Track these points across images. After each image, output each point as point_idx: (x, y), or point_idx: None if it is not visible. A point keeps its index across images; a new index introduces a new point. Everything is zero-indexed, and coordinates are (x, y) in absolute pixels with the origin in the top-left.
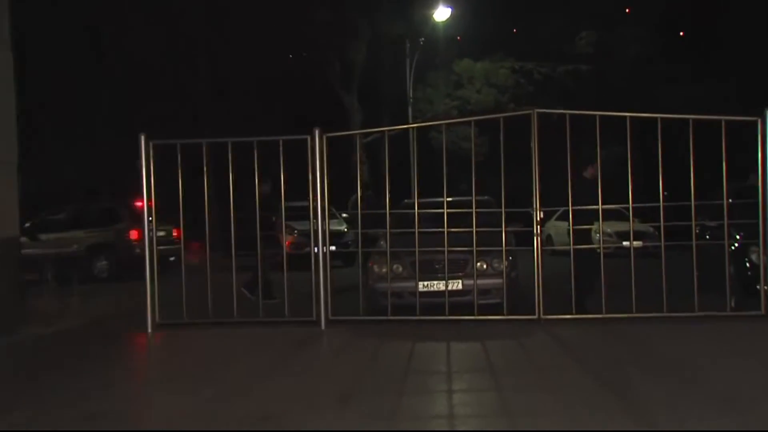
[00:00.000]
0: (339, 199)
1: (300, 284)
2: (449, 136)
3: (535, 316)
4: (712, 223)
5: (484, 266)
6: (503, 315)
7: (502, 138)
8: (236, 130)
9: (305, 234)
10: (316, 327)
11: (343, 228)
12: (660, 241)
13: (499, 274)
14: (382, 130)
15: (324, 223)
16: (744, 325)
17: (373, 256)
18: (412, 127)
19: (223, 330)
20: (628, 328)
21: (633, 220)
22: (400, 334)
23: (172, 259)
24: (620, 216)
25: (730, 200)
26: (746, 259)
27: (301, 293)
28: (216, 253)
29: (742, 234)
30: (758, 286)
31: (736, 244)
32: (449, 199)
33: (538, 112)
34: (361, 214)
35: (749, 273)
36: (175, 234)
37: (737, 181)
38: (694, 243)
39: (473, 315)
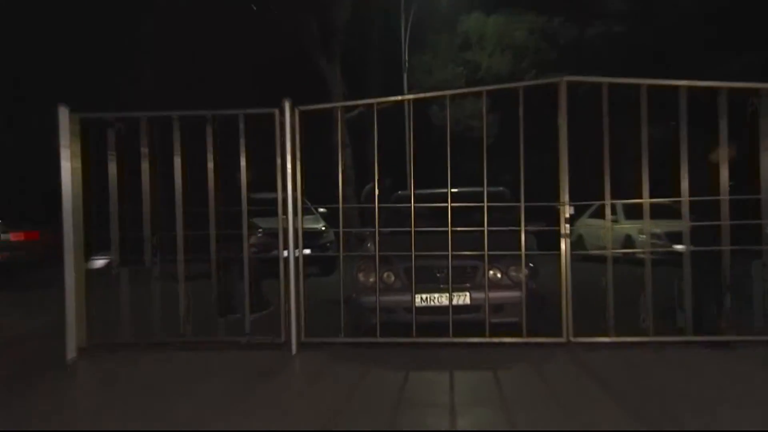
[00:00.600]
0: (315, 189)
1: (266, 297)
2: (454, 112)
3: (563, 339)
4: None
5: (498, 275)
6: (521, 337)
7: (521, 113)
8: (196, 102)
9: (272, 234)
10: (285, 351)
11: (321, 226)
12: (718, 245)
13: (517, 286)
14: (369, 102)
15: (296, 220)
16: None
17: (358, 263)
18: (408, 100)
19: (165, 355)
20: (682, 354)
21: (688, 218)
22: (392, 360)
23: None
24: (672, 212)
25: None
26: None
27: (267, 309)
28: (162, 257)
29: None
30: None
31: None
32: (454, 190)
33: (568, 81)
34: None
35: None
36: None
37: None
38: (764, 248)
39: (484, 337)
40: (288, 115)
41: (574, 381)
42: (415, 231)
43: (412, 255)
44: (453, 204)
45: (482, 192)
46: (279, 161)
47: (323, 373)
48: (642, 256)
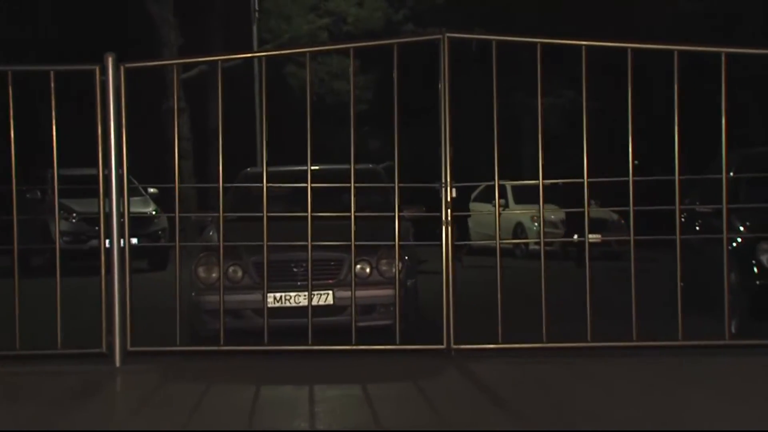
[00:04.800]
0: (145, 165)
1: (82, 298)
2: (316, 72)
3: (443, 346)
4: (705, 209)
5: (367, 270)
6: (395, 344)
7: (395, 75)
8: None
9: (90, 219)
10: (108, 364)
11: (151, 210)
12: (628, 235)
13: (390, 283)
14: (211, 60)
15: (121, 202)
16: (749, 359)
17: (198, 255)
18: (259, 57)
19: None
20: (580, 363)
21: (588, 203)
22: (239, 373)
23: None
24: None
25: (731, 174)
26: (753, 262)
27: (85, 312)
28: None
29: (748, 224)
30: None
31: (739, 240)
32: (315, 168)
33: (450, 37)
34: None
35: (758, 282)
36: None
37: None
38: (678, 237)
39: (350, 344)
40: (111, 73)
41: (457, 397)
42: (267, 217)
43: (264, 246)
44: (314, 185)
45: (349, 170)
46: (99, 129)
47: (153, 392)
48: (536, 247)
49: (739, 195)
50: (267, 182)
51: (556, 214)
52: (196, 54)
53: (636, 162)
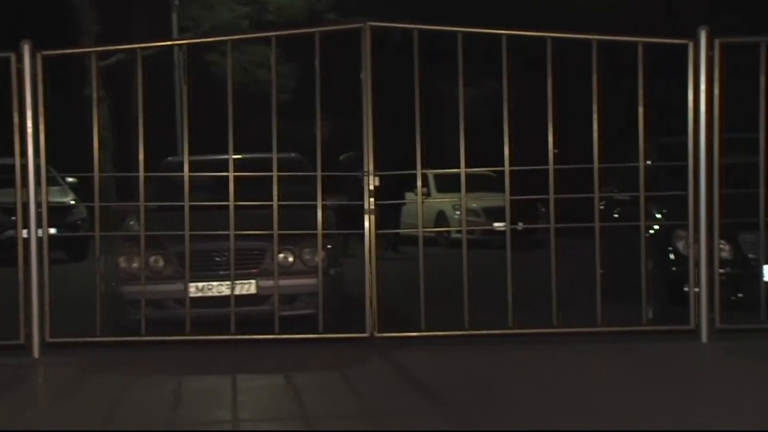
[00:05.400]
0: (64, 155)
1: (1, 289)
2: (238, 61)
3: (366, 334)
4: (624, 196)
5: (290, 259)
6: (319, 333)
7: (318, 64)
8: None
9: (6, 209)
10: (26, 356)
11: (70, 200)
12: (549, 223)
13: (313, 272)
14: (131, 48)
15: (39, 192)
16: (665, 344)
17: (118, 245)
18: (180, 45)
19: None
20: (502, 349)
21: (510, 192)
22: (161, 364)
23: None
24: (490, 185)
25: (648, 162)
26: (670, 249)
27: (2, 303)
28: None
29: (665, 212)
30: (686, 288)
31: (657, 227)
32: (237, 156)
33: (372, 26)
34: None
35: (674, 269)
36: None
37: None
38: (597, 225)
39: (273, 333)
40: (28, 61)
41: (381, 386)
42: (190, 206)
43: (186, 235)
44: (236, 174)
45: (272, 159)
46: (16, 118)
47: (73, 384)
48: (458, 236)
49: (656, 183)
50: (189, 171)
51: (478, 202)
52: (116, 42)
53: (556, 150)
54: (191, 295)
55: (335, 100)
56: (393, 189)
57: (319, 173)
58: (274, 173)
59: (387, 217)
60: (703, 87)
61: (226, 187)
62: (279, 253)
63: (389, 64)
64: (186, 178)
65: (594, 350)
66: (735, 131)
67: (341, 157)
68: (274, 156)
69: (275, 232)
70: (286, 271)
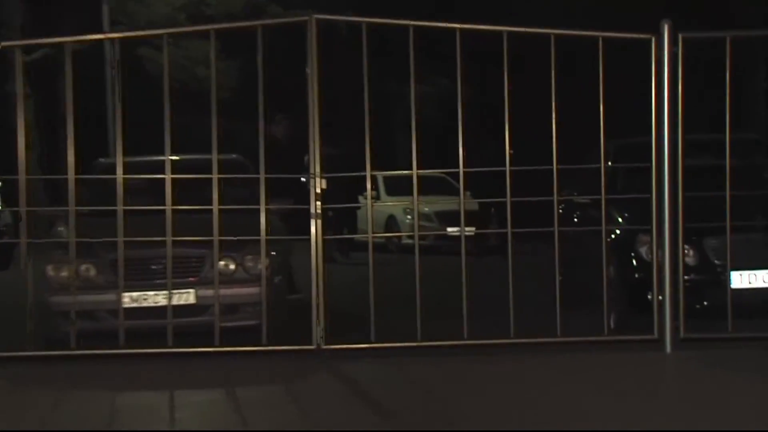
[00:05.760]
0: None
1: None
2: (175, 57)
3: (312, 346)
4: (584, 199)
5: (232, 267)
6: (263, 345)
7: (260, 61)
8: None
9: None
10: None
11: None
12: (506, 228)
13: (256, 280)
14: (59, 42)
15: None
16: (627, 355)
17: (48, 254)
18: (111, 39)
19: None
20: (454, 361)
21: (464, 195)
22: (94, 379)
23: None
24: (443, 188)
25: (609, 163)
26: (633, 254)
27: None
28: None
29: (627, 216)
30: (649, 296)
31: (618, 232)
32: (175, 158)
33: (318, 19)
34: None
35: (636, 275)
36: None
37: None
38: (555, 229)
39: (214, 346)
40: None
41: (328, 401)
42: (124, 211)
43: (119, 242)
44: (174, 176)
45: (212, 161)
46: None
47: (2, 399)
48: (409, 241)
49: (617, 185)
50: (123, 173)
51: (430, 206)
52: (42, 35)
53: (512, 151)
54: (125, 305)
55: (280, 98)
56: (351, 193)
57: (262, 175)
58: (214, 175)
59: (342, 222)
60: (666, 84)
61: (162, 191)
62: (220, 260)
63: (337, 61)
64: (119, 181)
65: (553, 361)
66: (696, 132)
67: (306, 158)
68: (214, 157)
69: (215, 238)
70: (227, 279)
